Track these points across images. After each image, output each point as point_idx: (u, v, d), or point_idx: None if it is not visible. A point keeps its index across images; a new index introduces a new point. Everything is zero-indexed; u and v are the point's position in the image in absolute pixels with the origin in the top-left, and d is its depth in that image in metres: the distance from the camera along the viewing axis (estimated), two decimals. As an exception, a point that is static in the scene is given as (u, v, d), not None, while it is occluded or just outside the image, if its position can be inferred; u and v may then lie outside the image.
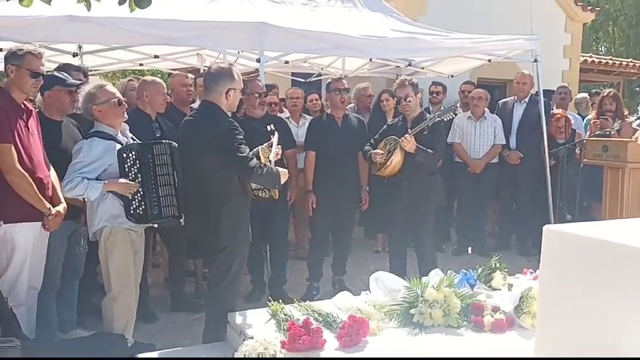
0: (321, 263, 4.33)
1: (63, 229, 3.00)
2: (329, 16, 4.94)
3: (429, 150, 3.86)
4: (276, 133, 3.25)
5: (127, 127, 3.12)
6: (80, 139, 3.09)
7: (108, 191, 2.89)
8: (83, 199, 3.04)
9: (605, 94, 5.47)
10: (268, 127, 3.32)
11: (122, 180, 2.89)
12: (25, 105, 2.87)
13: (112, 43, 4.55)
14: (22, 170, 2.72)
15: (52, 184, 2.92)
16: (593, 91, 7.91)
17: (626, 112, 5.55)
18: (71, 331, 3.29)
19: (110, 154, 2.91)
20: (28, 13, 3.23)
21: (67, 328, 3.28)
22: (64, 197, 2.93)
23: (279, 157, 3.19)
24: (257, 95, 3.93)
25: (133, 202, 2.93)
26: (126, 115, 3.07)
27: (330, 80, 4.47)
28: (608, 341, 1.58)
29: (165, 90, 3.91)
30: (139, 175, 2.93)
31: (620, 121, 5.10)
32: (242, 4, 4.65)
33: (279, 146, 3.22)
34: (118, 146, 2.95)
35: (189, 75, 4.78)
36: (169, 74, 6.35)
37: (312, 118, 5.04)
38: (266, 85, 4.23)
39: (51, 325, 3.13)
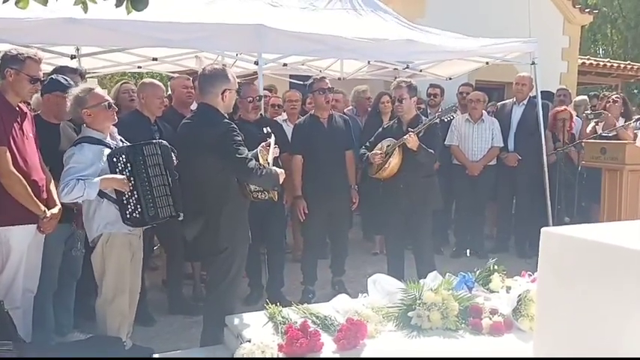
0: (315, 266, 4.31)
1: (59, 231, 2.99)
2: (327, 19, 4.94)
3: (429, 150, 3.85)
4: (272, 135, 3.25)
5: (115, 130, 3.08)
6: (78, 142, 3.08)
7: (102, 197, 2.85)
8: (74, 206, 3.01)
9: (610, 97, 5.50)
10: (264, 129, 3.32)
11: (116, 175, 2.87)
12: (19, 107, 2.86)
13: (110, 46, 4.54)
14: (17, 173, 2.71)
15: (48, 186, 2.91)
16: (592, 93, 7.93)
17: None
18: (68, 334, 3.28)
19: (100, 158, 2.87)
20: (26, 15, 3.23)
21: (64, 331, 3.27)
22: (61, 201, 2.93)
23: (277, 154, 3.18)
24: (250, 100, 3.92)
25: (129, 207, 2.90)
26: (115, 118, 3.03)
27: (312, 80, 4.34)
28: (606, 343, 1.58)
29: (164, 93, 3.90)
30: (132, 178, 2.91)
31: (624, 121, 5.13)
32: (240, 6, 4.65)
33: (277, 147, 3.21)
34: (108, 150, 2.92)
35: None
36: (169, 77, 6.35)
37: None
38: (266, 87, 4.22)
39: (48, 328, 3.12)
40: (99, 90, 3.02)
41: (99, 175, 2.83)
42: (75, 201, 2.86)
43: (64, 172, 2.80)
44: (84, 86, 3.04)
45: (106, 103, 2.96)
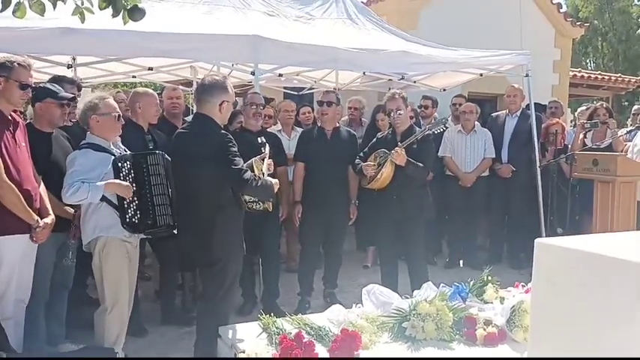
0: (311, 277, 4.30)
1: (51, 241, 2.96)
2: (323, 30, 4.98)
3: (418, 163, 3.87)
4: (267, 145, 3.26)
5: (119, 139, 3.14)
6: (70, 151, 3.09)
7: (102, 200, 2.88)
8: (75, 210, 3.03)
9: (597, 105, 5.56)
10: (259, 139, 3.34)
11: (121, 181, 2.90)
12: (12, 116, 2.84)
13: (107, 56, 4.55)
14: (9, 182, 2.69)
15: (41, 196, 2.89)
16: (584, 105, 8.02)
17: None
18: (60, 344, 3.24)
19: (103, 165, 2.92)
20: (23, 24, 3.23)
21: (55, 342, 3.23)
22: (53, 209, 2.91)
23: (271, 170, 3.19)
24: (254, 107, 3.94)
25: (129, 211, 2.93)
26: (120, 130, 3.11)
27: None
28: (600, 354, 1.59)
29: (158, 101, 3.92)
30: (134, 185, 2.96)
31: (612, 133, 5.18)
32: (237, 17, 4.68)
33: (271, 160, 3.22)
34: (112, 157, 2.96)
35: (180, 87, 4.81)
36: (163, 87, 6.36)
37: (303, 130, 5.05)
38: (265, 97, 4.26)
39: (39, 338, 3.07)
40: (112, 100, 3.11)
41: (102, 181, 2.87)
42: (78, 203, 2.91)
43: (68, 174, 2.86)
44: (99, 94, 3.17)
45: (116, 114, 3.04)
